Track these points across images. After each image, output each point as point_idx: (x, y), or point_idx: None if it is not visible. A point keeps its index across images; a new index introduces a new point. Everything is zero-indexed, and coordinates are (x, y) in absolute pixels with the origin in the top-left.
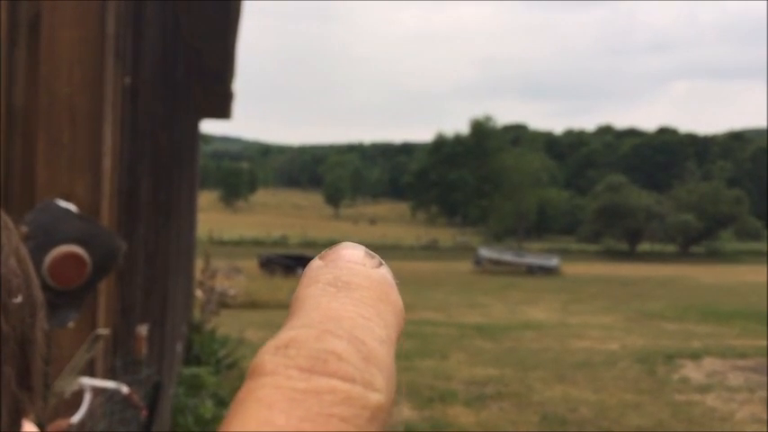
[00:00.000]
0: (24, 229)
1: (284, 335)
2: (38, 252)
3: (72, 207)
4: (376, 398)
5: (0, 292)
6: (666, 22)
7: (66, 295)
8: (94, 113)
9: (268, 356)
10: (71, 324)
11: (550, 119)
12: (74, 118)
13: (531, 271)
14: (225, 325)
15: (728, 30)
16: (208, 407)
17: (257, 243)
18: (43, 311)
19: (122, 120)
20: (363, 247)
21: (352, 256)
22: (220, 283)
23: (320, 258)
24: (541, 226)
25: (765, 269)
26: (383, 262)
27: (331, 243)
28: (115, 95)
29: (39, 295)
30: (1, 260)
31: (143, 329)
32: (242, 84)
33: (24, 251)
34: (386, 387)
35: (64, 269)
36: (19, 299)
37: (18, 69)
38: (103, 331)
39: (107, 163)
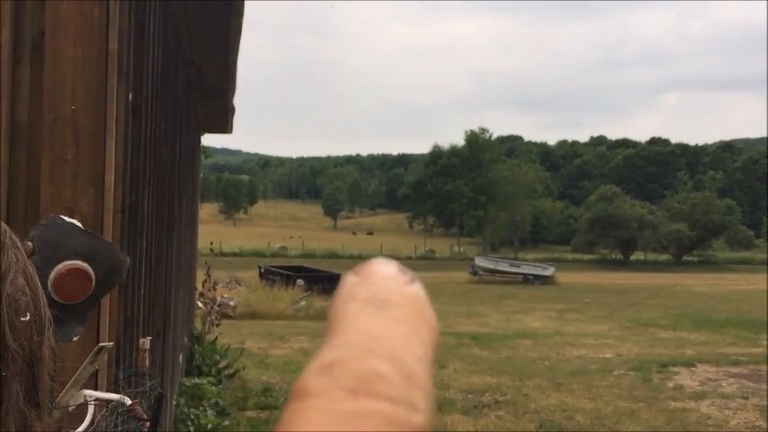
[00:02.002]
0: (29, 244)
1: (327, 355)
2: (43, 267)
3: (77, 222)
4: (418, 418)
5: (5, 310)
6: (657, 36)
7: (70, 309)
8: (98, 130)
9: (311, 378)
10: (76, 338)
11: (545, 131)
12: (77, 134)
13: (527, 280)
14: (226, 335)
15: (718, 42)
16: (209, 417)
17: (257, 254)
18: (51, 329)
19: (125, 135)
20: (396, 263)
21: (386, 272)
22: (221, 295)
23: (355, 274)
24: (536, 236)
25: (757, 277)
26: (416, 278)
27: (330, 254)
28: (118, 112)
29: (47, 313)
30: (9, 279)
31: (146, 342)
32: (241, 97)
33: (32, 269)
34: (427, 407)
35: (69, 284)
36: (27, 317)
37: (22, 86)
38: (107, 344)
39: (110, 178)
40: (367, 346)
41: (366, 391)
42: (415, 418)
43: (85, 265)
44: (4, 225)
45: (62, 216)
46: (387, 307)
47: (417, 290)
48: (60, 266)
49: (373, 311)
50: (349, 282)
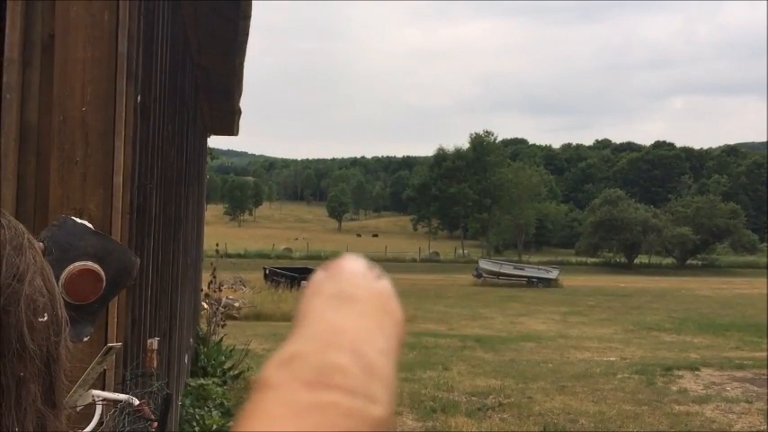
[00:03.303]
0: (41, 245)
1: (288, 348)
2: (54, 268)
3: (88, 223)
4: (377, 410)
5: (24, 310)
6: (664, 40)
7: (81, 310)
8: (107, 131)
9: (272, 370)
10: (85, 338)
11: (549, 134)
12: (86, 136)
13: (531, 283)
14: (231, 336)
15: (725, 46)
16: (214, 417)
17: (262, 256)
18: (67, 330)
19: (133, 137)
20: (365, 259)
21: (354, 268)
22: (226, 296)
23: (323, 270)
24: (540, 239)
25: (761, 282)
26: (384, 274)
27: (335, 256)
28: (127, 113)
29: (63, 314)
30: (27, 280)
31: (154, 342)
32: (247, 99)
33: (49, 270)
34: (386, 399)
35: (80, 284)
36: (45, 318)
37: (32, 88)
38: (115, 344)
39: (119, 180)
40: (328, 339)
41: (324, 383)
42: (374, 410)
43: (96, 266)
44: (20, 226)
45: (73, 217)
46: (352, 301)
47: (384, 285)
48: (71, 267)
49: (338, 306)
50: (317, 278)
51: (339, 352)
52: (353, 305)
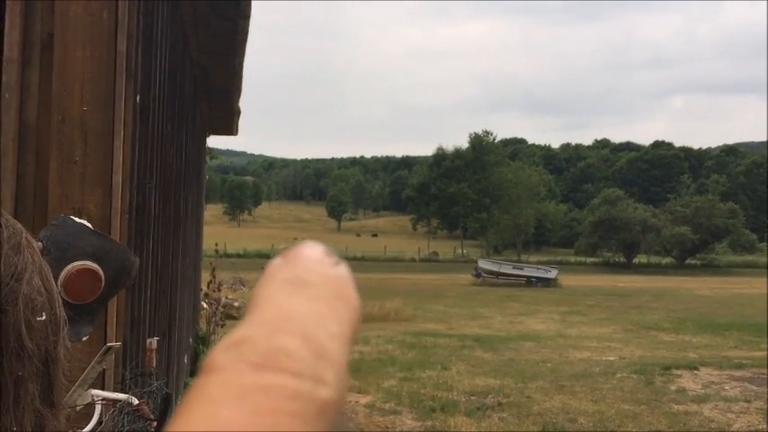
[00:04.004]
0: (40, 244)
1: (238, 332)
2: (53, 267)
3: (87, 223)
4: (325, 393)
5: (22, 310)
6: (664, 39)
7: (80, 310)
8: (106, 130)
9: (220, 353)
10: (85, 338)
11: (549, 134)
12: (86, 135)
13: (530, 283)
14: None
15: (724, 46)
16: None
17: (261, 256)
18: (66, 329)
19: (133, 136)
20: (323, 246)
21: (310, 254)
22: (225, 296)
23: (280, 257)
24: (539, 239)
25: (760, 281)
26: (341, 260)
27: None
28: (126, 113)
29: (62, 313)
30: (25, 279)
31: (153, 342)
32: (246, 99)
33: (47, 269)
34: (336, 382)
35: (79, 284)
36: (43, 317)
37: (31, 87)
38: (114, 344)
39: (118, 179)
40: (279, 323)
41: (271, 366)
42: (322, 393)
43: (95, 266)
44: (18, 225)
45: (72, 217)
46: (305, 286)
47: (340, 271)
48: (70, 267)
49: (292, 291)
50: (273, 264)
51: (288, 335)
52: (307, 290)
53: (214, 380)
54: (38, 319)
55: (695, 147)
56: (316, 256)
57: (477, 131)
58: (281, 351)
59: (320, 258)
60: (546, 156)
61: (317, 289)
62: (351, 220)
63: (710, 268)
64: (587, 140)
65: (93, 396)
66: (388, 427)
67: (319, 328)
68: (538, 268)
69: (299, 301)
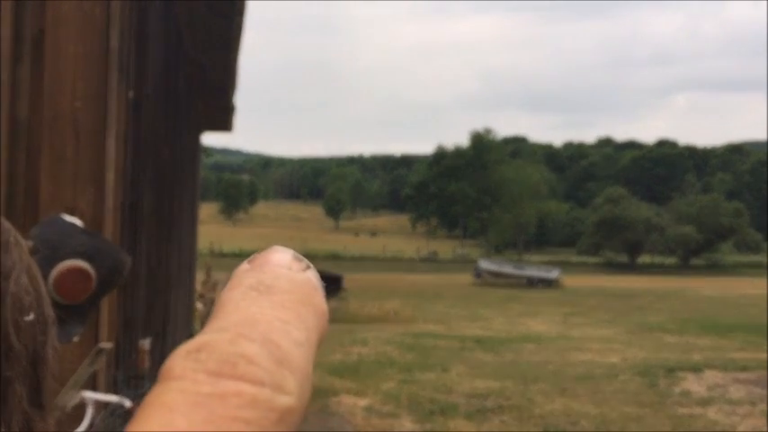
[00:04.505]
0: (30, 243)
1: (198, 339)
2: (43, 266)
3: (78, 221)
4: (284, 400)
5: (9, 309)
6: (668, 36)
7: (71, 310)
8: (98, 128)
9: (177, 361)
10: (76, 338)
11: (551, 131)
12: (77, 132)
13: (532, 283)
14: None
15: (730, 43)
16: None
17: None
18: (54, 329)
19: (125, 134)
20: (292, 251)
21: (278, 259)
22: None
23: (248, 262)
24: (541, 238)
25: (765, 282)
26: (311, 265)
27: (331, 255)
28: (119, 110)
29: (50, 313)
30: (12, 277)
31: (146, 343)
32: (243, 96)
33: (36, 268)
34: (297, 390)
35: (69, 284)
36: (31, 317)
37: (22, 84)
38: (106, 345)
39: (110, 177)
40: (240, 329)
41: (229, 374)
42: (282, 400)
43: (86, 265)
44: (7, 223)
45: (63, 215)
46: (271, 293)
47: (308, 276)
48: (61, 266)
49: (256, 297)
50: (240, 269)
51: (248, 342)
52: (272, 296)
53: (170, 387)
54: (25, 318)
55: (699, 145)
56: (283, 261)
57: (477, 129)
58: (241, 358)
59: (288, 264)
60: (548, 154)
61: (282, 295)
62: (349, 219)
63: (715, 268)
64: (590, 138)
65: (84, 398)
66: (386, 430)
67: (282, 335)
68: (539, 268)
69: (263, 308)
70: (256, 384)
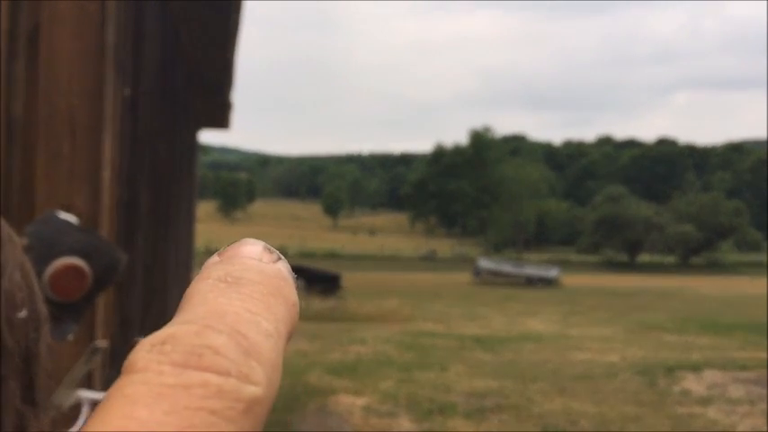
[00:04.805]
0: (25, 240)
1: (163, 331)
2: (38, 264)
3: (73, 219)
4: (251, 390)
5: (3, 306)
6: (668, 34)
7: (66, 308)
8: (94, 125)
9: (141, 354)
10: (70, 337)
11: (550, 129)
12: (73, 130)
13: (531, 282)
14: None
15: (730, 41)
16: None
17: None
18: (47, 326)
19: (122, 131)
20: (263, 243)
21: (248, 251)
22: None
23: (217, 255)
24: (540, 237)
25: (766, 281)
26: (282, 257)
27: (330, 254)
28: (115, 107)
29: (43, 310)
30: (5, 274)
31: None
32: (240, 94)
33: (29, 265)
34: (265, 380)
35: (65, 281)
36: (23, 313)
37: (17, 81)
38: (102, 343)
39: (106, 174)
40: (207, 321)
41: (195, 365)
42: (249, 391)
43: (82, 263)
44: (1, 221)
45: (58, 212)
46: (239, 284)
47: (278, 268)
48: (56, 263)
49: (224, 289)
50: (209, 262)
51: (216, 333)
52: (241, 288)
53: (132, 380)
54: (18, 315)
55: (699, 143)
56: (253, 253)
57: (476, 127)
58: (207, 349)
59: (258, 255)
60: (547, 152)
61: (251, 287)
62: (347, 217)
63: (715, 267)
64: (589, 137)
65: (79, 397)
66: (384, 430)
67: (251, 326)
68: (539, 267)
69: (231, 299)
70: (222, 375)
